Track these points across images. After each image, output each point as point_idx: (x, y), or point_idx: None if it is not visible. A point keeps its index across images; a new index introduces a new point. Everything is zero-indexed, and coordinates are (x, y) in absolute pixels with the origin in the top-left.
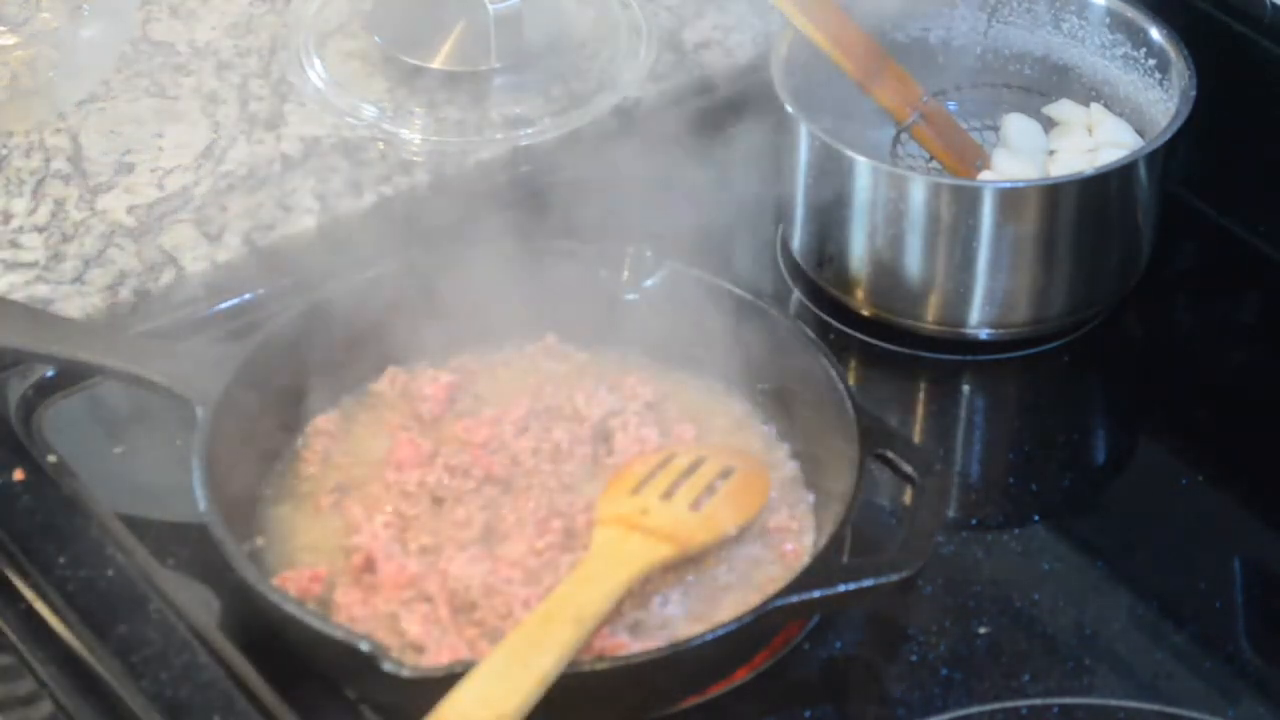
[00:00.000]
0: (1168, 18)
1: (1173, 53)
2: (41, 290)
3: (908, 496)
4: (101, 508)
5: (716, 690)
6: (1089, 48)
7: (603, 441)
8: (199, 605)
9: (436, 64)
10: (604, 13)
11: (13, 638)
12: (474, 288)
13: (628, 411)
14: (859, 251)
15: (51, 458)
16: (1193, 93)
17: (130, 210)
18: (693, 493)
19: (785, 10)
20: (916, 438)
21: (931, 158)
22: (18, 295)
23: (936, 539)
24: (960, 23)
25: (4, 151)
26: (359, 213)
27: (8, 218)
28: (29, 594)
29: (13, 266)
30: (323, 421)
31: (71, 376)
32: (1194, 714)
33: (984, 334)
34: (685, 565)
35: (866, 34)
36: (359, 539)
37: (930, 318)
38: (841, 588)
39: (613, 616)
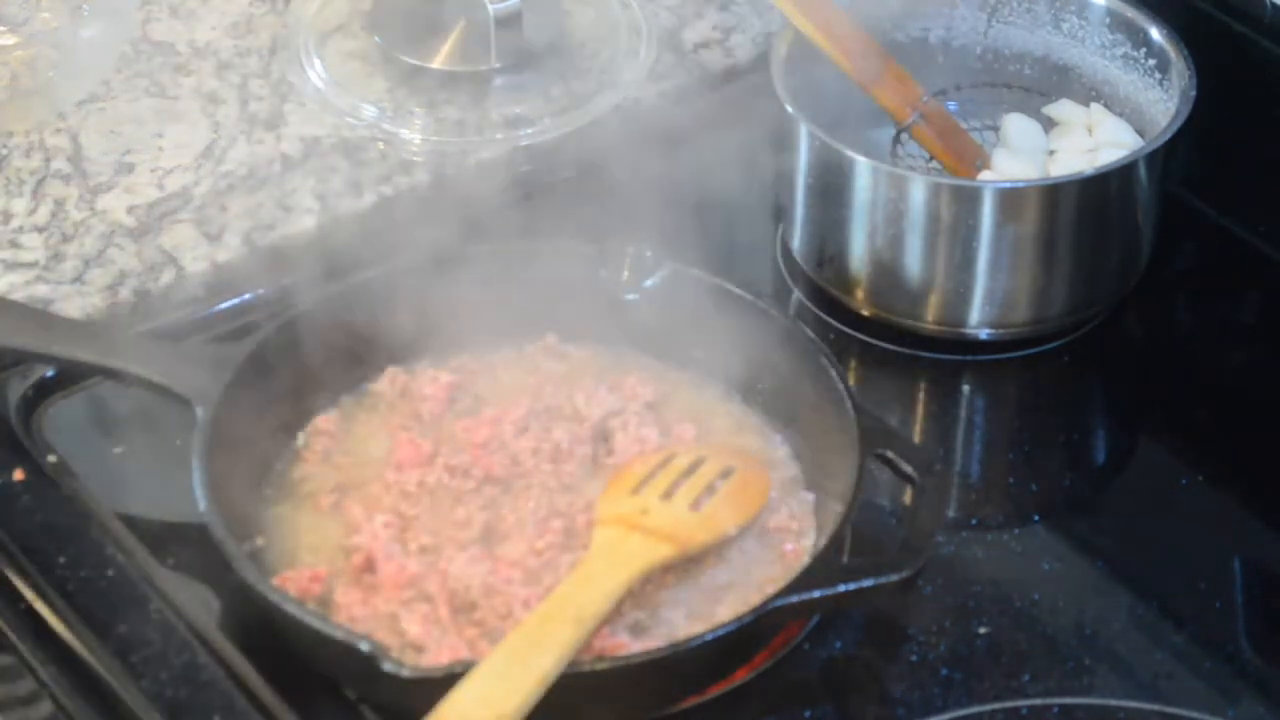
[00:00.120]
0: (1168, 18)
1: (1173, 53)
2: (41, 290)
3: (908, 496)
4: (101, 508)
5: (716, 690)
6: (1089, 48)
7: (603, 441)
8: (199, 605)
9: (436, 64)
10: (604, 13)
11: (13, 638)
12: (474, 287)
13: (628, 411)
14: (859, 251)
15: (51, 458)
16: (1193, 93)
17: (130, 210)
18: (693, 493)
19: (785, 10)
20: (916, 438)
21: (931, 158)
22: (18, 295)
23: (936, 539)
24: (960, 23)
25: (4, 151)
26: (359, 213)
27: (8, 218)
28: (29, 594)
29: (13, 266)
30: (323, 421)
31: (71, 376)
32: (1194, 714)
33: (984, 334)
34: (685, 565)
35: (866, 34)
36: (359, 539)
37: (930, 318)
38: (841, 588)
39: (613, 616)
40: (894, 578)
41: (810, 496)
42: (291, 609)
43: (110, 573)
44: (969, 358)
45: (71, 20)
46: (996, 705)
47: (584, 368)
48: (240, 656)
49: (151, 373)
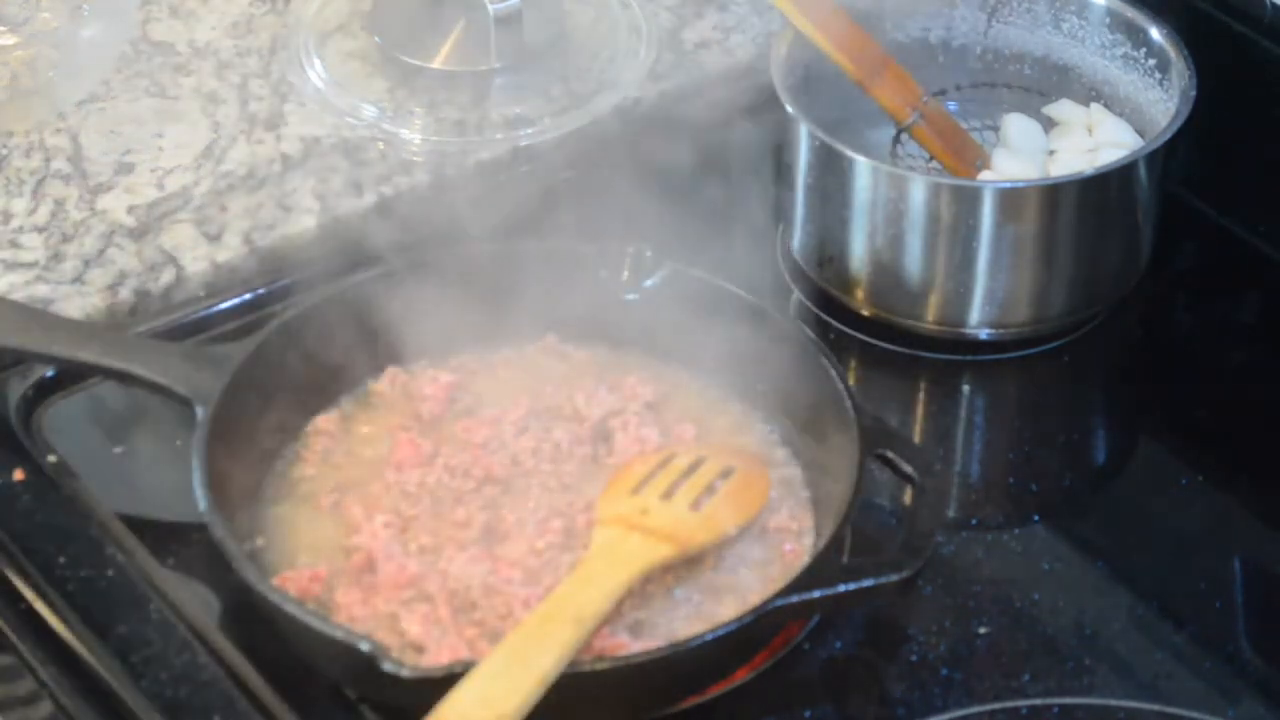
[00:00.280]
0: (1168, 18)
1: (1173, 53)
2: (41, 290)
3: (908, 496)
4: (101, 508)
5: (716, 690)
6: (1089, 48)
7: (603, 441)
8: (199, 605)
9: (436, 64)
10: (604, 13)
11: (13, 638)
12: (474, 288)
13: (628, 411)
14: (859, 251)
15: (51, 458)
16: (1193, 93)
17: (130, 210)
18: (693, 493)
19: (785, 10)
20: (916, 438)
21: (931, 158)
22: (18, 295)
23: (936, 539)
24: (960, 23)
25: (4, 151)
26: (359, 213)
27: (8, 218)
28: (29, 594)
29: (13, 266)
30: (323, 421)
31: (71, 376)
32: (1194, 714)
33: (984, 334)
34: (685, 565)
35: (866, 34)
36: (359, 539)
37: (930, 318)
38: (841, 588)
39: (613, 616)
40: (894, 578)
41: (810, 496)
42: (291, 609)
43: (110, 573)
44: (969, 358)
45: (71, 20)
46: (996, 705)
47: (584, 368)
48: (240, 656)
49: (151, 373)
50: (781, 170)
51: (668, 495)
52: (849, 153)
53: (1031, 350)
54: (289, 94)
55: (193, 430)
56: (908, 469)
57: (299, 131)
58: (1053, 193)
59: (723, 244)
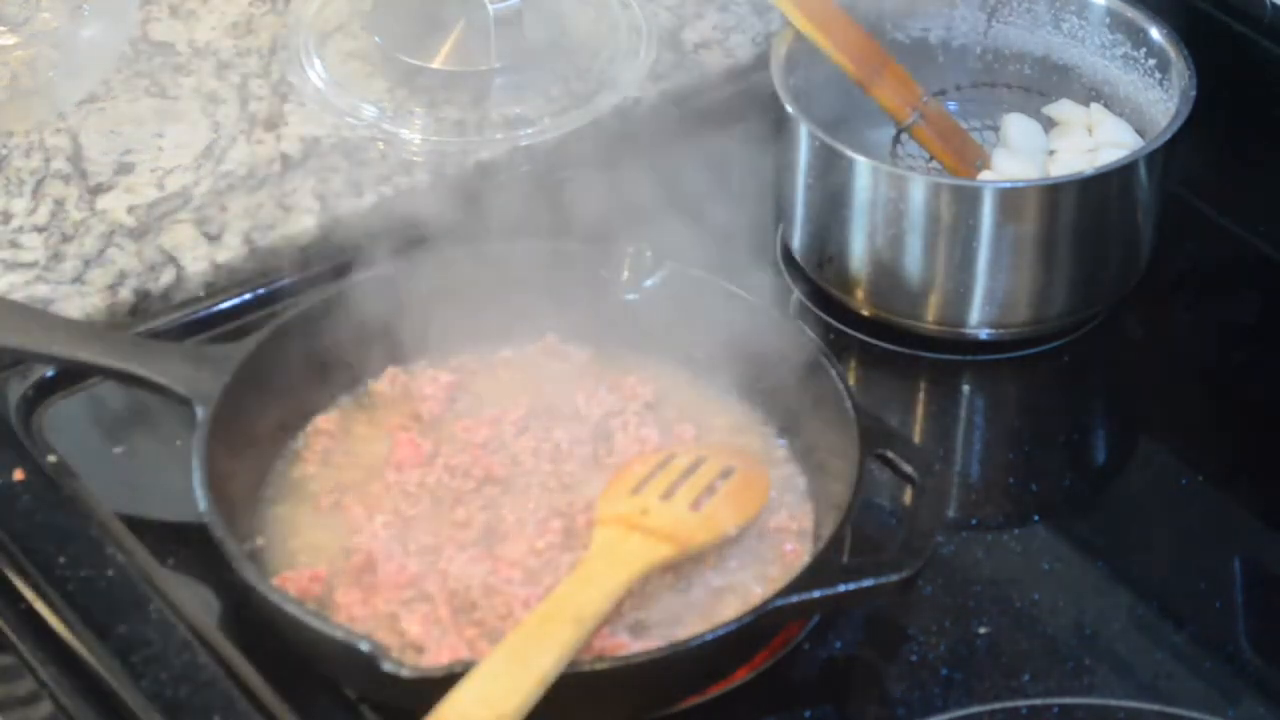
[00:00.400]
0: (1168, 18)
1: (1173, 53)
2: (41, 290)
3: (908, 496)
4: (101, 508)
5: (716, 690)
6: (1089, 48)
7: (603, 441)
8: (199, 605)
9: (436, 64)
10: (604, 13)
11: (13, 638)
12: (474, 287)
13: (628, 411)
14: (859, 251)
15: (51, 458)
16: (1193, 93)
17: (130, 210)
18: (693, 493)
19: (785, 10)
20: (916, 438)
21: (931, 158)
22: (18, 295)
23: (936, 539)
24: (960, 23)
25: (4, 151)
26: (359, 213)
27: (8, 218)
28: (29, 594)
29: (13, 266)
30: (323, 421)
31: (71, 376)
32: (1194, 714)
33: (984, 334)
34: (685, 565)
35: (866, 34)
36: (359, 539)
37: (930, 318)
38: (841, 588)
39: (613, 616)
40: (894, 578)
41: (810, 496)
42: (291, 609)
43: (110, 573)
44: (969, 358)
45: (71, 20)
46: (996, 705)
47: (584, 368)
48: (240, 656)
49: (151, 373)
50: (781, 170)
51: (668, 495)
52: (849, 153)
53: (1031, 350)
54: (289, 94)
55: (193, 430)
56: (908, 469)
57: (299, 131)
58: (1053, 193)
59: (723, 244)
